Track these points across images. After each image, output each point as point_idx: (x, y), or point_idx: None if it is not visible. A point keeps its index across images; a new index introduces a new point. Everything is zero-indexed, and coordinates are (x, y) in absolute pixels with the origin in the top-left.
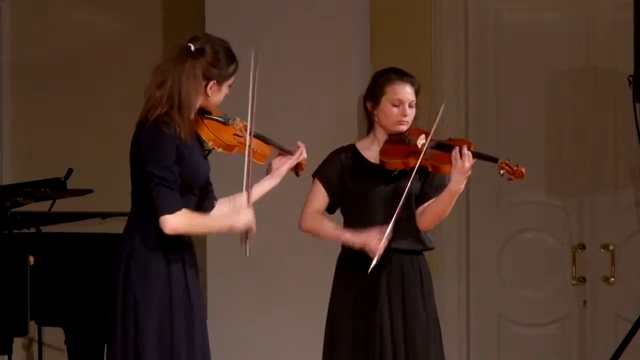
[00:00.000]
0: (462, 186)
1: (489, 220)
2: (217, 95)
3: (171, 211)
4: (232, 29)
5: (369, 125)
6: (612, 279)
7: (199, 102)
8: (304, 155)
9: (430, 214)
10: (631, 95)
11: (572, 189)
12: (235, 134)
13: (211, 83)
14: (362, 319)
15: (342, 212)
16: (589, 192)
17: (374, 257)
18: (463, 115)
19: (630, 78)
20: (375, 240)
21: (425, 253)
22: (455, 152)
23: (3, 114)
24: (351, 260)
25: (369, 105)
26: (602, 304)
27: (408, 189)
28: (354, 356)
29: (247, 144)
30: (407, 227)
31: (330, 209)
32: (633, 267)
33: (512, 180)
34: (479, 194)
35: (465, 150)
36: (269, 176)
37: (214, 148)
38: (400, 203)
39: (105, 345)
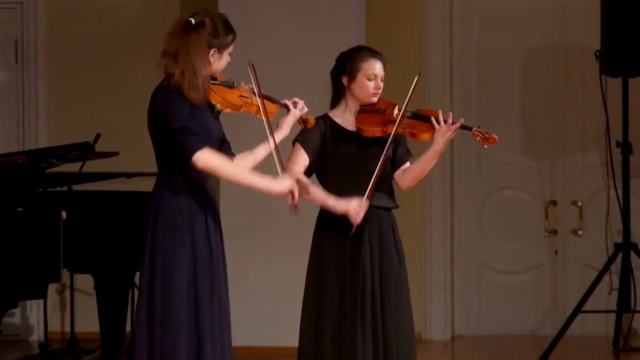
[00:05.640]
0: (445, 147)
1: (471, 180)
2: (218, 62)
3: (198, 148)
4: (244, 9)
5: (338, 96)
6: (580, 231)
7: (206, 68)
8: (305, 109)
9: (415, 172)
10: (598, 68)
11: (545, 152)
12: (241, 95)
13: (212, 51)
14: (347, 269)
15: (318, 176)
16: (560, 154)
17: (355, 224)
18: (448, 87)
19: (597, 53)
20: (356, 209)
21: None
22: (439, 117)
23: (38, 86)
24: (333, 217)
25: (344, 79)
26: (571, 253)
27: (386, 152)
28: (341, 305)
29: (269, 134)
30: (384, 187)
31: (307, 172)
32: (598, 221)
33: (485, 146)
34: (462, 156)
35: (448, 117)
36: (278, 129)
37: (222, 109)
38: (379, 166)
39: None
